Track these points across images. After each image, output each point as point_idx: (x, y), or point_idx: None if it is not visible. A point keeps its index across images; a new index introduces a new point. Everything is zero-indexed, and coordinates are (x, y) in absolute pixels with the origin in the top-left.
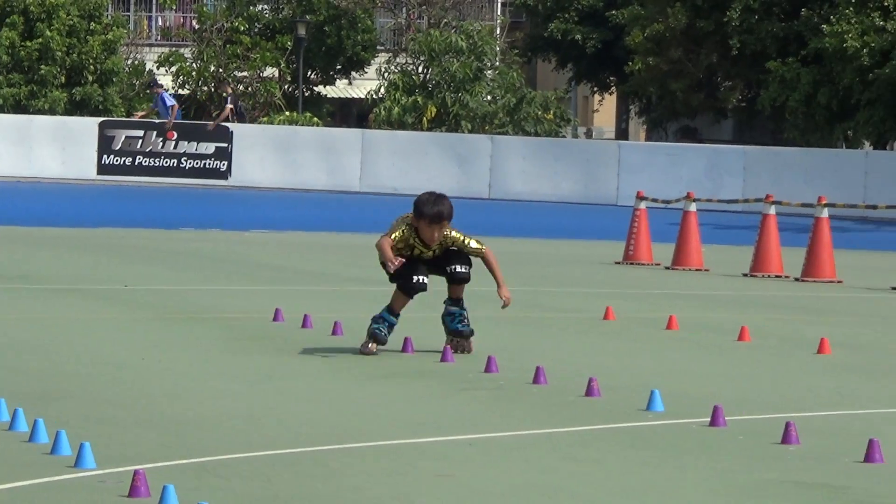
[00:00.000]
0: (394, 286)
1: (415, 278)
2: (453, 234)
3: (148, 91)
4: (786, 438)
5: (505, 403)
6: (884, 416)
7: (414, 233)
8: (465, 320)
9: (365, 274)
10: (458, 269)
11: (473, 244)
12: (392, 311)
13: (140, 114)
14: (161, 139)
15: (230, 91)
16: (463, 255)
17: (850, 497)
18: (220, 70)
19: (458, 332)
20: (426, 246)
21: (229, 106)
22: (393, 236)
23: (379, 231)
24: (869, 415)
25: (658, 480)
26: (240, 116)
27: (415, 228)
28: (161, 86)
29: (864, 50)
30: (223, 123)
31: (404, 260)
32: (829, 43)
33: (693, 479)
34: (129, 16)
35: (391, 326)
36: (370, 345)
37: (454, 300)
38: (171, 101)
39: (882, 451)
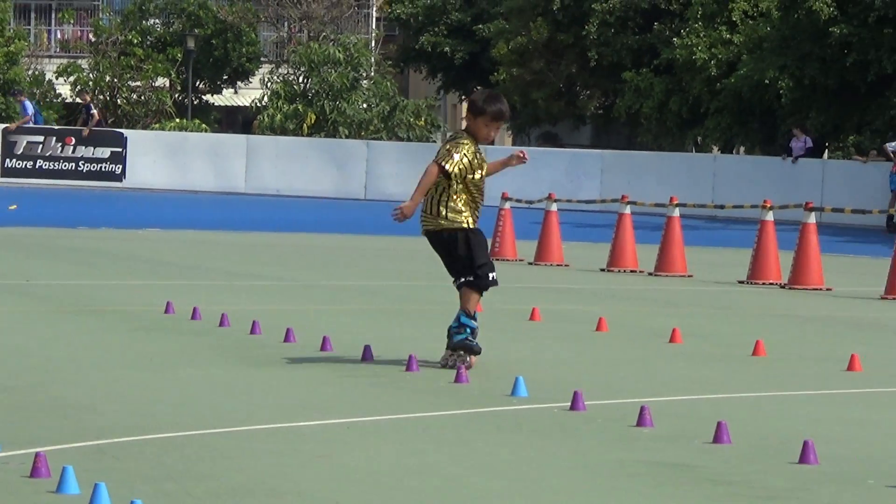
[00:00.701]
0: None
1: (491, 276)
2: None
3: (12, 99)
4: (640, 421)
5: (380, 389)
6: (731, 400)
7: (473, 143)
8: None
9: (251, 269)
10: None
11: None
12: (469, 313)
13: (15, 124)
14: (60, 144)
15: (88, 99)
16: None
17: (700, 475)
18: (116, 80)
19: (463, 346)
20: (481, 157)
21: (95, 112)
22: (459, 162)
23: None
24: (717, 399)
25: (522, 461)
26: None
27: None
28: (21, 92)
29: (712, 61)
30: (95, 128)
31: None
32: (679, 54)
33: (554, 459)
34: (30, 29)
35: (474, 331)
36: (469, 358)
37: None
38: (30, 110)
39: (729, 432)
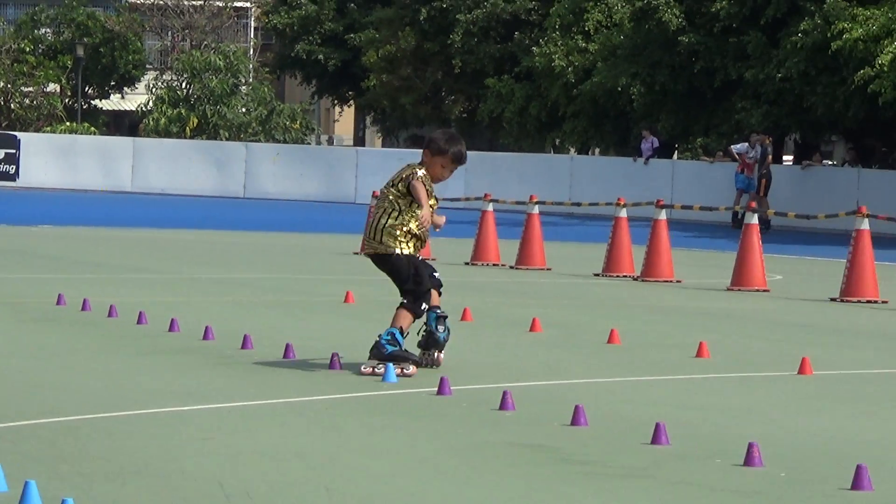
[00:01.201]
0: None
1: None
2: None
3: None
4: (503, 405)
5: (260, 376)
6: (587, 385)
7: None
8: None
9: (138, 263)
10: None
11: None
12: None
13: None
14: None
15: None
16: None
17: (558, 455)
18: (9, 85)
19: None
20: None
21: None
22: (425, 177)
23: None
24: (575, 384)
25: (393, 442)
26: None
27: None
28: None
29: (569, 68)
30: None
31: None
32: (538, 62)
33: (423, 440)
34: None
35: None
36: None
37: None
38: None
39: (586, 415)
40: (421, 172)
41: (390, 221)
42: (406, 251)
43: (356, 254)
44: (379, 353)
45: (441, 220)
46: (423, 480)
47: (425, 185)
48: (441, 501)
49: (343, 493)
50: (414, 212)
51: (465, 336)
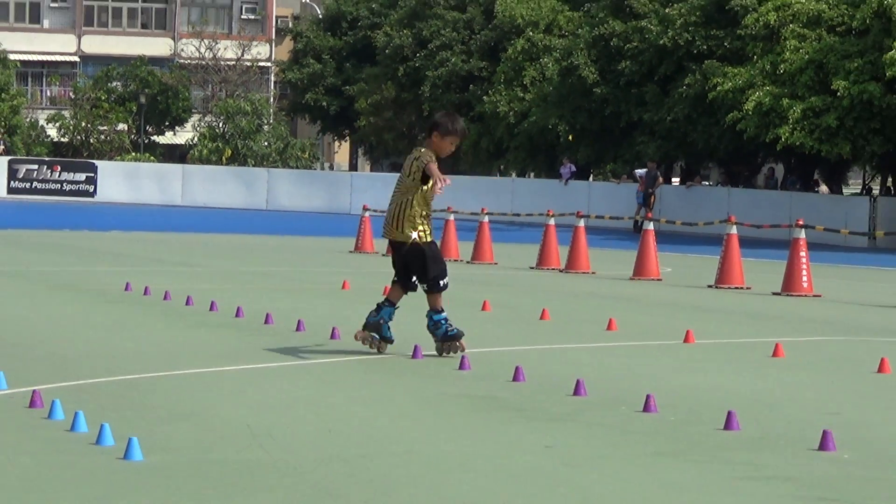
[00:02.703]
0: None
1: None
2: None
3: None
4: (461, 366)
5: (279, 343)
6: (526, 351)
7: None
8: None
9: (184, 259)
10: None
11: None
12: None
13: None
14: (49, 170)
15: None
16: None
17: (504, 404)
18: (88, 125)
19: (448, 337)
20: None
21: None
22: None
23: (196, 231)
24: (516, 350)
25: (378, 394)
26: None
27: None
28: None
29: (511, 112)
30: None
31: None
32: (487, 108)
33: (400, 392)
34: (27, 88)
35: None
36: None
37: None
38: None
39: (524, 374)
40: (427, 154)
41: (396, 212)
42: (426, 238)
43: (351, 252)
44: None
45: (448, 180)
46: (400, 422)
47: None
48: (412, 437)
49: (340, 433)
50: (420, 190)
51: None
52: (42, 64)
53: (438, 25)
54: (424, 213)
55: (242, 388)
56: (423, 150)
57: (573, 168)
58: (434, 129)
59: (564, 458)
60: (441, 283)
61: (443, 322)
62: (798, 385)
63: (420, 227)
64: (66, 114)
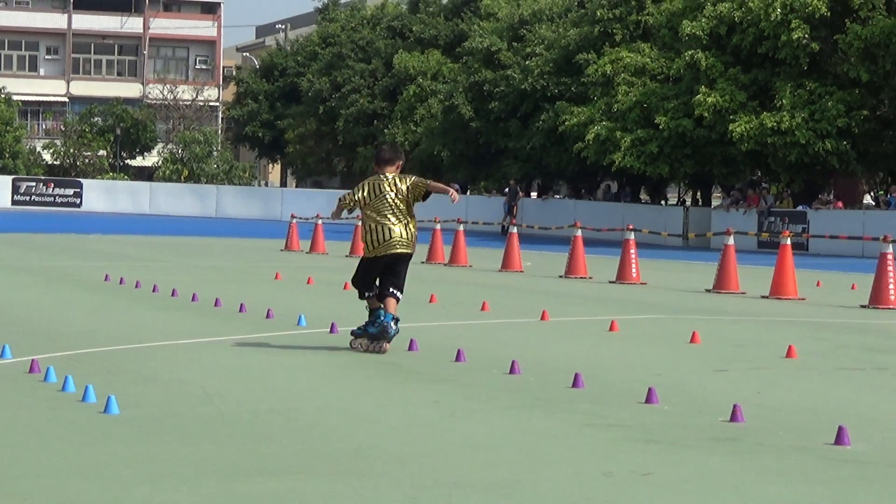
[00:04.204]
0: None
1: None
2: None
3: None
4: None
5: (225, 321)
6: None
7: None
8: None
9: (152, 256)
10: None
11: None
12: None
13: None
14: (44, 186)
15: None
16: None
17: (401, 370)
18: (75, 151)
19: (378, 337)
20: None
21: None
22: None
23: (162, 234)
24: (412, 327)
25: (300, 363)
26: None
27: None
28: None
29: (406, 142)
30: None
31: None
32: (389, 138)
33: (320, 359)
34: (27, 122)
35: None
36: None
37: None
38: None
39: (418, 344)
40: (412, 177)
41: (414, 230)
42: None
43: (282, 251)
44: (381, 334)
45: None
46: (321, 383)
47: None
48: (331, 395)
49: (275, 392)
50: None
51: (339, 296)
52: (39, 103)
53: (349, 73)
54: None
55: (198, 357)
56: (404, 175)
57: (457, 186)
58: (397, 158)
59: (448, 411)
60: (400, 296)
61: (389, 325)
62: (629, 353)
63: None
64: (58, 142)
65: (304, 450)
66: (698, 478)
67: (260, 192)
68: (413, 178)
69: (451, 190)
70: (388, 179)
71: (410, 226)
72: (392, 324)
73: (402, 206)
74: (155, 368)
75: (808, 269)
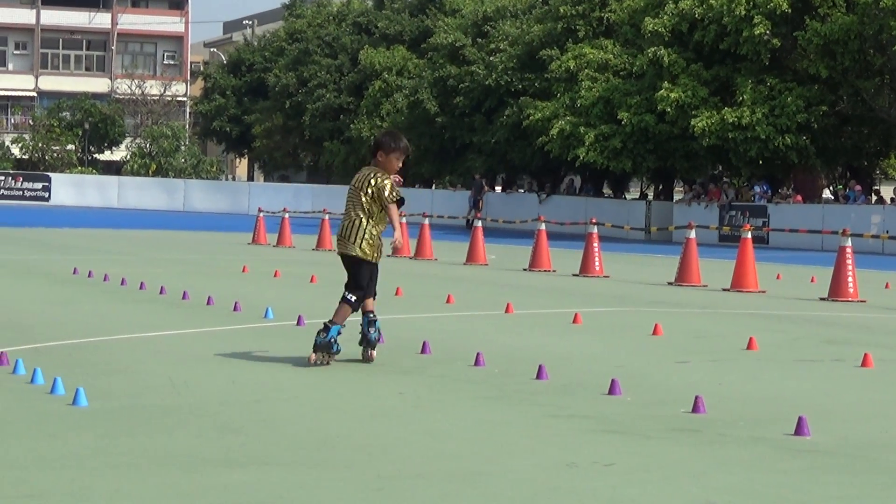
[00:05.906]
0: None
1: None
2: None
3: None
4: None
5: (192, 314)
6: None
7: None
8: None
9: (120, 249)
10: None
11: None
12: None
13: None
14: (13, 180)
15: None
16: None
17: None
18: (44, 145)
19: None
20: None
21: None
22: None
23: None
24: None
25: (266, 355)
26: None
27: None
28: None
29: (371, 137)
30: None
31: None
32: (354, 133)
33: (286, 352)
34: None
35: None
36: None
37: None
38: None
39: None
40: (389, 183)
41: (369, 230)
42: (374, 261)
43: (249, 244)
44: (328, 347)
45: (404, 243)
46: (286, 375)
47: (394, 191)
48: (296, 386)
49: (240, 383)
50: (384, 219)
51: (318, 292)
52: (7, 98)
53: (316, 69)
54: (375, 231)
55: (164, 349)
56: (377, 172)
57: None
58: (378, 149)
59: (413, 402)
60: (353, 299)
61: (334, 334)
62: (592, 345)
63: (368, 243)
64: (27, 137)
65: (270, 441)
66: (660, 468)
67: (227, 187)
68: (379, 182)
69: (397, 235)
70: (366, 173)
71: (349, 222)
72: (369, 328)
73: (356, 201)
74: (123, 361)
75: (769, 262)
